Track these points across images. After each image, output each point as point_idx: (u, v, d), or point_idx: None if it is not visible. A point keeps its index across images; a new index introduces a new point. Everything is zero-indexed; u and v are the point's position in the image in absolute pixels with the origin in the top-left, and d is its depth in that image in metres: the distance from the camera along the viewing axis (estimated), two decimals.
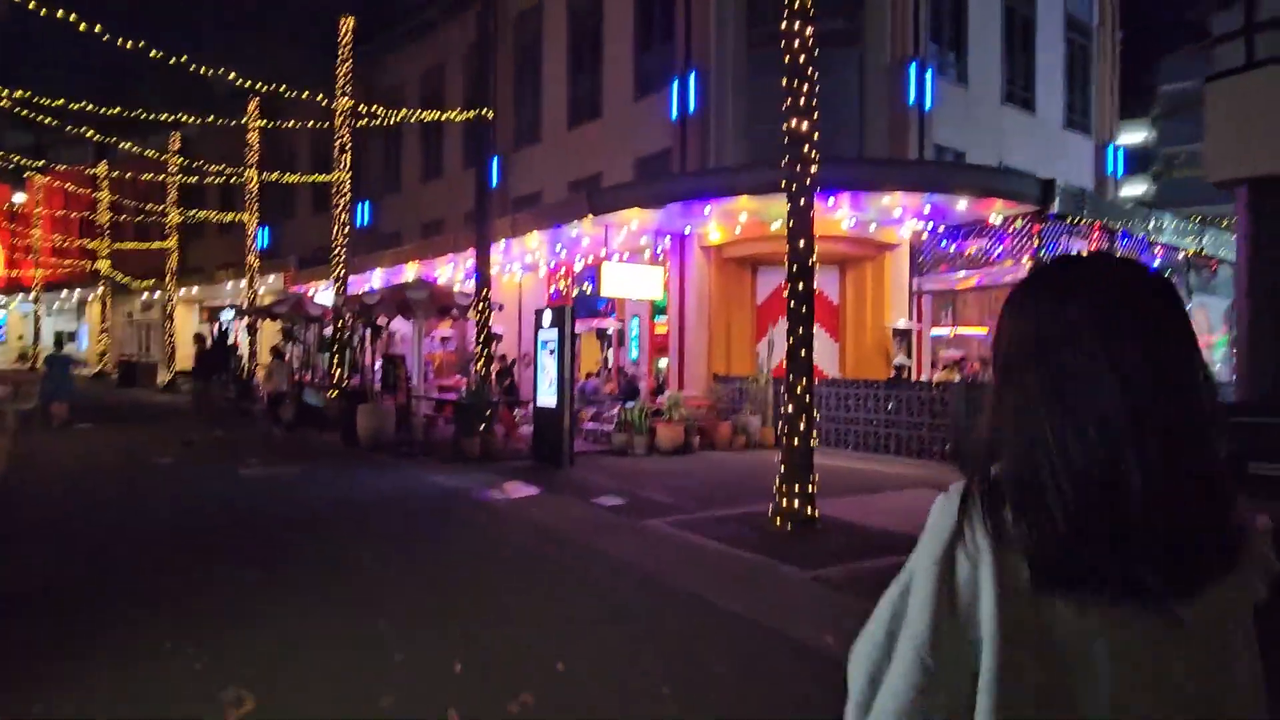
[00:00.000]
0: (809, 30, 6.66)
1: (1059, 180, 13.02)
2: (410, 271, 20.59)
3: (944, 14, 16.55)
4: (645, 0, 17.98)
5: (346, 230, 17.46)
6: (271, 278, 27.19)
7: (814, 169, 6.59)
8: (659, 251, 15.84)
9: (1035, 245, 13.26)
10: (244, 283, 23.67)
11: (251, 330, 22.37)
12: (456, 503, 8.45)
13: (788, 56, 6.66)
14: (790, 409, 6.60)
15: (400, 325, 16.52)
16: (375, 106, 16.32)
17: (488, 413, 11.59)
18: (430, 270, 20.44)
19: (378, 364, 13.99)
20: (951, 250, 14.70)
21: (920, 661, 0.86)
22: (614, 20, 18.84)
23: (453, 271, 20.67)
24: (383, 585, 5.31)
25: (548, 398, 10.75)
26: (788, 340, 6.65)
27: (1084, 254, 1.02)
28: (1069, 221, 13.60)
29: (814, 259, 6.63)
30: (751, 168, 12.79)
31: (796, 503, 6.58)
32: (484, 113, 12.54)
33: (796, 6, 6.60)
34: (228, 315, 25.76)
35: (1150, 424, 0.82)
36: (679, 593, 5.22)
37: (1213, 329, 17.86)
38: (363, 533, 6.95)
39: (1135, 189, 36.19)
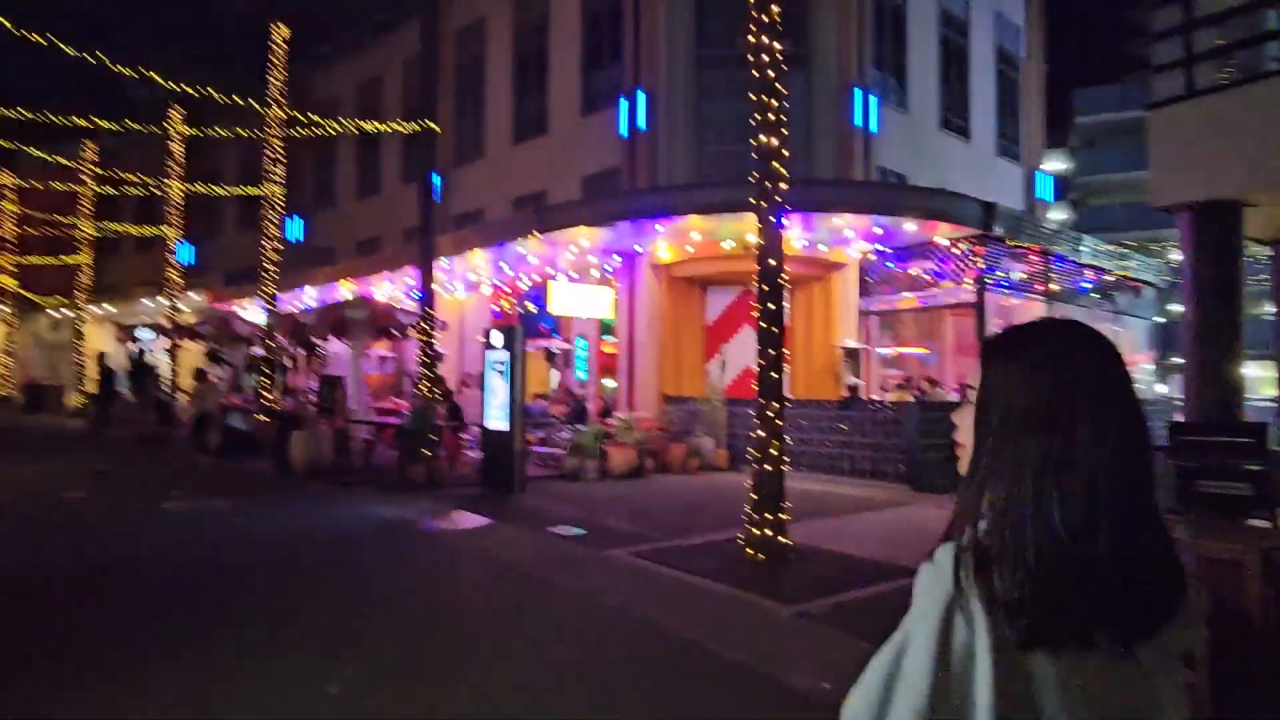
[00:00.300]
0: (777, 45, 6.51)
1: (999, 204, 13.33)
2: (345, 290, 19.79)
3: (886, 41, 16.90)
4: (592, 20, 17.85)
5: (278, 245, 16.66)
6: (195, 295, 25.82)
7: (783, 185, 6.42)
8: (608, 270, 15.57)
9: (979, 267, 13.50)
10: (164, 300, 22.36)
11: (172, 351, 21.10)
12: (405, 537, 7.92)
13: (756, 71, 6.50)
14: (762, 433, 6.36)
15: (336, 345, 15.78)
16: (311, 116, 15.61)
17: (433, 437, 11.03)
18: (367, 288, 19.67)
19: (313, 386, 13.24)
20: (896, 271, 14.88)
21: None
22: (560, 39, 18.63)
23: (391, 289, 19.96)
24: (330, 637, 4.81)
25: (498, 421, 10.29)
26: (758, 361, 6.43)
27: (1051, 319, 1.07)
28: (1008, 244, 13.92)
29: (784, 277, 6.44)
30: (704, 186, 12.70)
31: (769, 531, 6.33)
32: (428, 123, 12.07)
33: (765, 20, 6.45)
34: (146, 335, 24.25)
35: (1122, 481, 0.91)
36: (658, 634, 4.88)
37: (1138, 350, 18.58)
38: (304, 575, 6.38)
39: (1056, 215, 37.85)
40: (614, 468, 12.16)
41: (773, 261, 6.38)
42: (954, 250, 13.76)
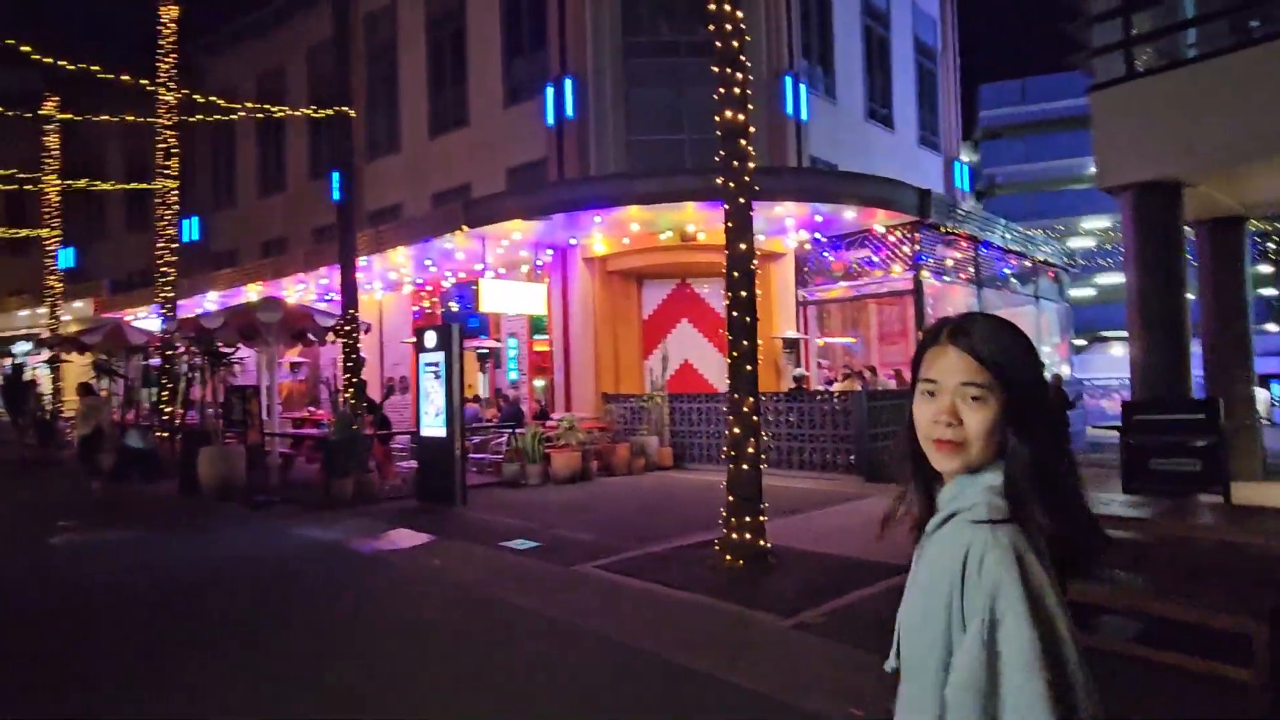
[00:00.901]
0: (739, 14, 6.08)
1: (933, 192, 13.38)
2: (252, 293, 18.38)
3: (812, 30, 16.82)
4: (512, 6, 17.08)
5: (173, 246, 15.25)
6: (79, 304, 23.66)
7: (751, 165, 6.00)
8: (539, 265, 14.90)
9: (914, 254, 13.52)
10: (43, 310, 20.30)
11: (54, 364, 19.14)
12: (339, 561, 7.11)
13: (719, 42, 6.06)
14: (737, 430, 5.93)
15: (243, 352, 14.53)
16: (211, 99, 14.29)
17: (361, 448, 10.16)
18: (276, 291, 18.33)
19: (220, 398, 12.06)
20: (831, 261, 14.78)
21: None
22: (479, 26, 17.77)
23: (303, 293, 18.69)
24: (266, 693, 4.08)
25: (434, 427, 9.53)
26: (730, 354, 5.99)
27: (983, 313, 1.22)
28: (941, 231, 14.02)
29: (755, 263, 6.02)
30: (644, 176, 12.22)
31: (749, 535, 5.90)
32: (344, 109, 11.13)
33: None
34: (23, 348, 22.00)
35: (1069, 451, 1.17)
36: (649, 659, 4.36)
37: (1054, 333, 19.21)
38: (226, 616, 5.54)
39: (965, 205, 39.26)
40: (557, 471, 11.55)
41: (743, 246, 5.95)
42: (890, 238, 13.75)
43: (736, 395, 5.92)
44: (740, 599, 5.28)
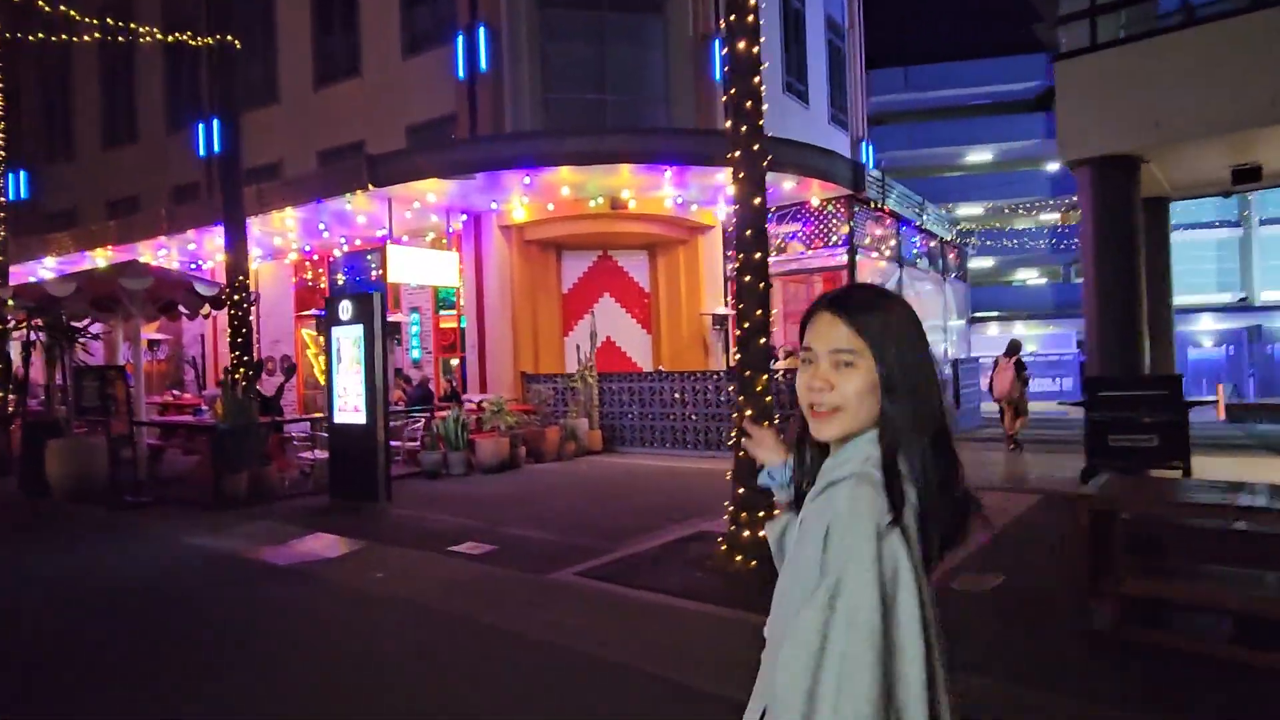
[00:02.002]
0: None
1: (866, 166, 13.12)
2: (99, 260, 15.89)
3: None
4: None
5: (1, 200, 12.80)
6: None
7: (765, 107, 5.20)
8: (450, 232, 13.56)
9: (847, 231, 13.25)
10: None
11: None
12: (253, 577, 5.82)
13: None
14: (749, 412, 5.16)
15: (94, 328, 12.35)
16: (42, 22, 11.94)
17: (258, 438, 8.69)
18: (129, 257, 15.91)
19: (66, 380, 10.09)
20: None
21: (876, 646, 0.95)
22: None
23: (164, 259, 16.35)
24: None
25: (350, 413, 8.23)
26: (740, 325, 5.21)
27: (870, 284, 1.28)
28: (872, 207, 13.83)
29: (765, 223, 5.25)
30: (579, 134, 11.16)
31: (761, 531, 5.17)
32: (228, 39, 9.42)
33: None
34: None
35: (947, 429, 1.13)
36: (673, 688, 3.54)
37: (960, 313, 19.76)
38: (113, 660, 4.25)
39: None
40: (482, 459, 10.46)
41: (757, 201, 5.16)
42: (824, 211, 13.40)
43: (748, 372, 5.15)
44: (759, 608, 4.55)
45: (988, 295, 36.25)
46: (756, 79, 5.16)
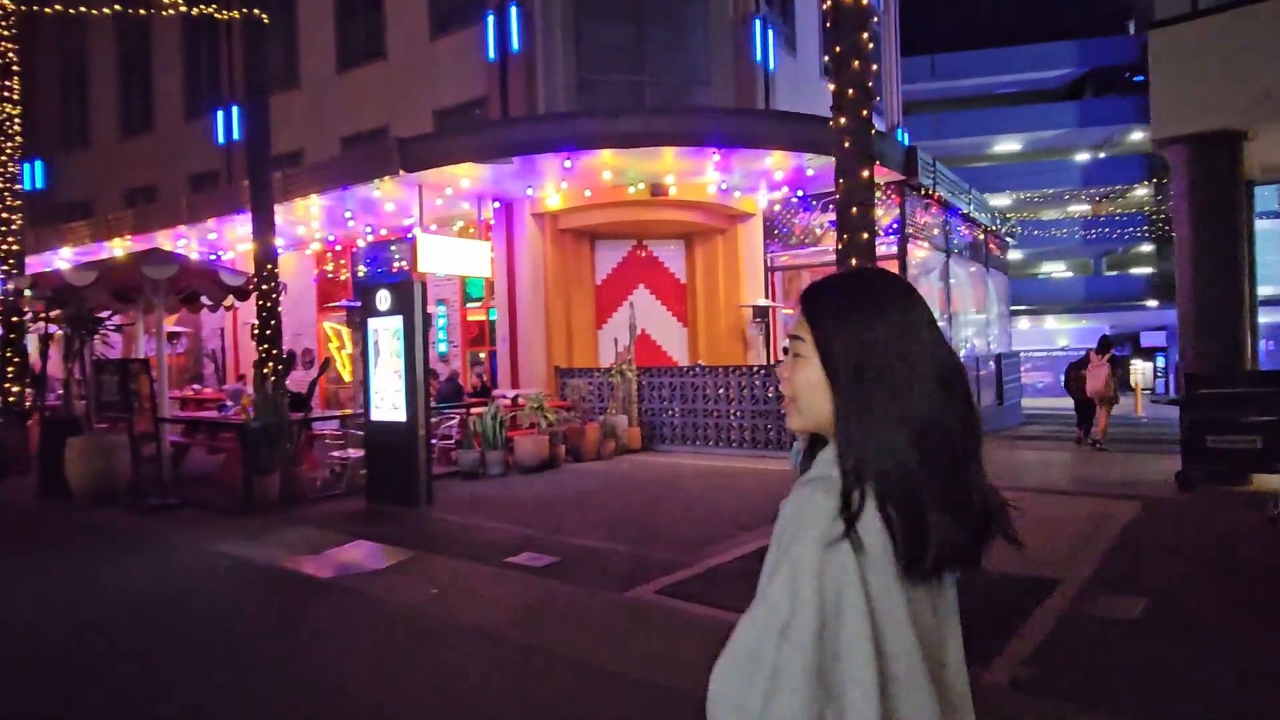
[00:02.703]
0: None
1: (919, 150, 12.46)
2: (117, 250, 15.42)
3: None
4: None
5: (18, 188, 12.31)
6: None
7: (874, 67, 4.58)
8: (481, 220, 12.99)
9: (898, 216, 12.58)
10: None
11: None
12: (291, 594, 5.28)
13: None
14: None
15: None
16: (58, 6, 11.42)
17: (290, 437, 8.17)
18: (147, 247, 15.45)
19: (88, 374, 9.59)
20: (799, 223, 13.64)
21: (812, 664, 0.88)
22: None
23: (183, 249, 15.85)
24: None
25: (389, 410, 7.68)
26: None
27: (873, 268, 1.24)
28: (921, 193, 13.16)
29: (873, 199, 4.64)
30: (625, 114, 10.55)
31: None
32: (256, 13, 8.87)
33: None
34: None
35: (953, 431, 0.99)
36: None
37: (1001, 305, 19.06)
38: (153, 691, 3.71)
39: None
40: (522, 459, 9.92)
41: (865, 174, 4.56)
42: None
43: None
44: None
45: (1016, 288, 35.45)
46: (864, 34, 4.55)
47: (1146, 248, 37.43)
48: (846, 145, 4.48)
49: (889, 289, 1.04)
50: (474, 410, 10.30)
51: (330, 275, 16.47)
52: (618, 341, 12.21)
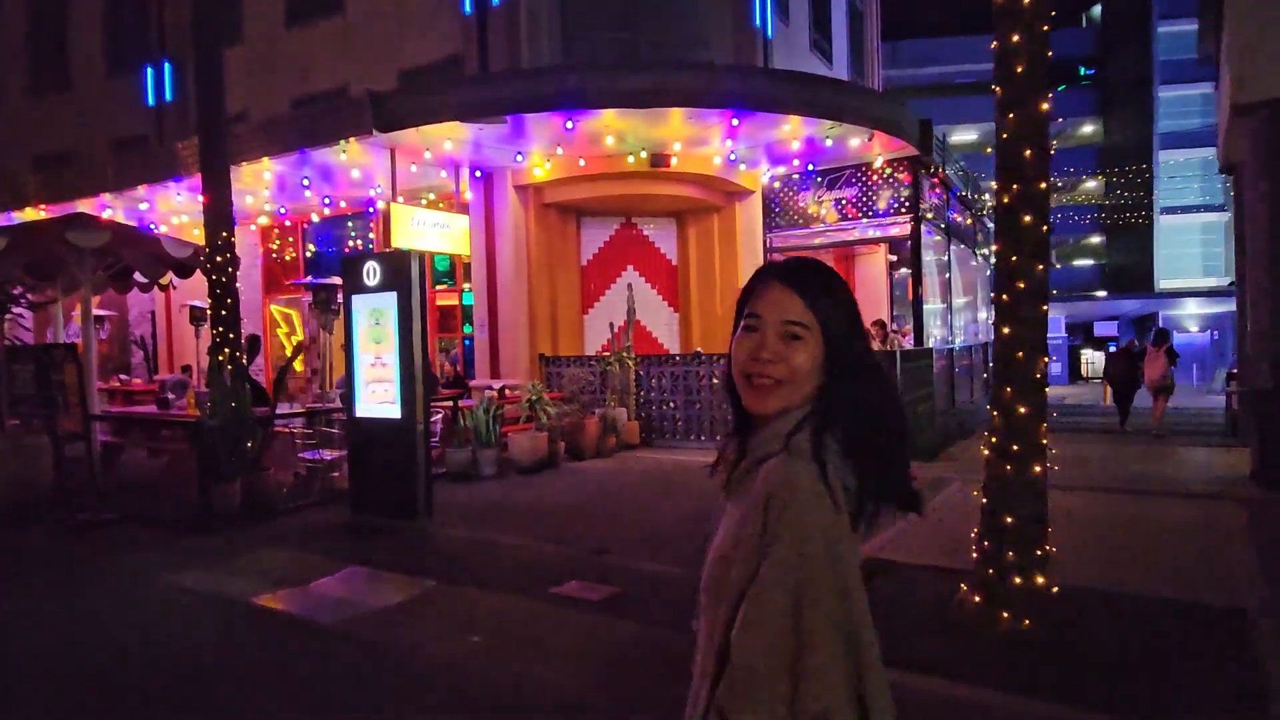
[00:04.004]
0: None
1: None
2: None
3: None
4: None
5: None
6: None
7: (1045, 26, 3.61)
8: (456, 192, 11.68)
9: (909, 196, 11.80)
10: None
11: None
12: (280, 651, 4.06)
13: None
14: (1022, 410, 3.63)
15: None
16: None
17: (255, 437, 6.84)
18: None
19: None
20: (800, 201, 12.72)
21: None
22: None
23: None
24: None
25: (377, 405, 6.44)
26: (1010, 284, 3.66)
27: (808, 259, 1.18)
28: (929, 171, 12.41)
29: (1048, 139, 3.68)
30: (636, 70, 9.41)
31: (1038, 576, 3.67)
32: None
33: None
34: None
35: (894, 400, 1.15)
36: None
37: (988, 292, 18.63)
38: None
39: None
40: (518, 458, 8.79)
41: (1045, 106, 3.58)
42: (884, 174, 11.93)
43: (1020, 354, 3.62)
44: (1093, 704, 3.05)
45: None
46: None
47: (1095, 239, 38.11)
48: (1019, 70, 3.50)
49: (833, 269, 1.15)
50: (462, 404, 9.09)
51: (276, 255, 14.90)
52: (613, 326, 11.10)
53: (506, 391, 10.31)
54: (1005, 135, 3.59)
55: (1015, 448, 3.72)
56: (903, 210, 11.81)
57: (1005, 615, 3.67)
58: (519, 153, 10.48)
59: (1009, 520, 3.67)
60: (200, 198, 7.57)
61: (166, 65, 15.87)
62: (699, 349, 12.06)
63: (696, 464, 9.33)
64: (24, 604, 4.78)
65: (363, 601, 4.64)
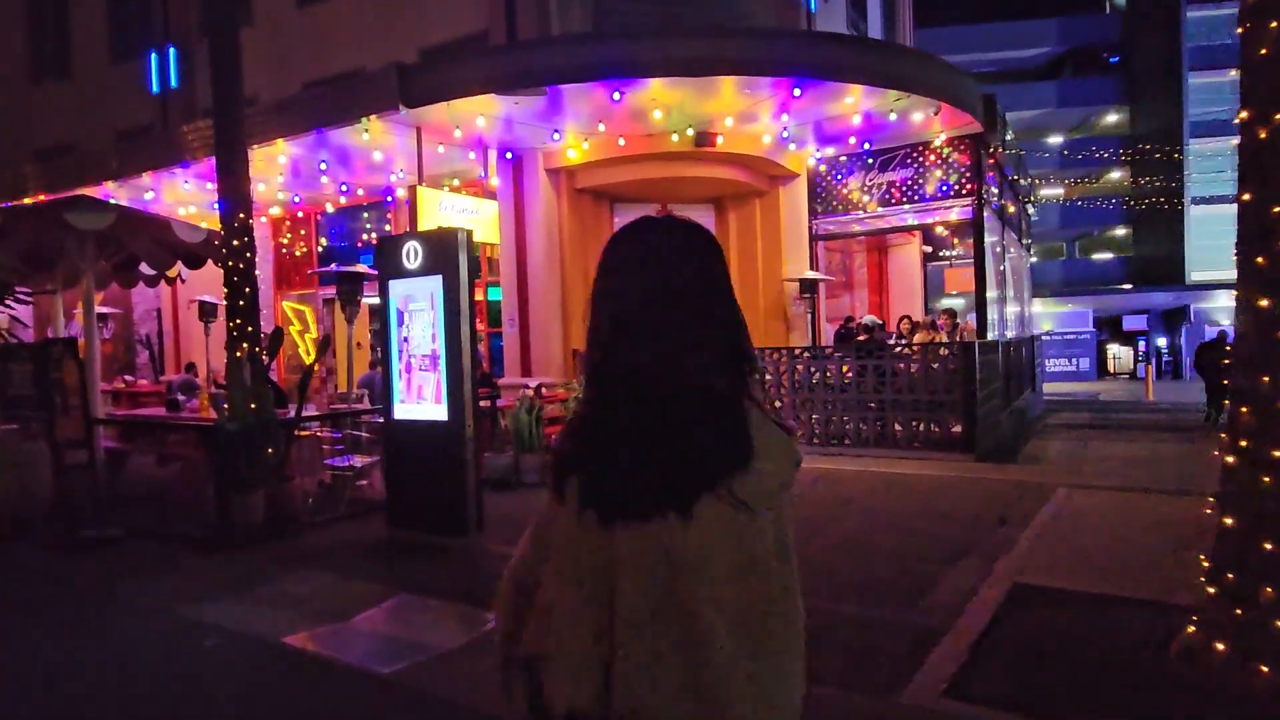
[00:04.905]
0: None
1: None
2: None
3: None
4: None
5: None
6: None
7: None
8: (483, 176, 10.88)
9: (969, 177, 10.96)
10: None
11: None
12: (336, 711, 3.27)
13: None
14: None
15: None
16: None
17: (279, 444, 6.06)
18: None
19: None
20: (852, 184, 11.85)
21: None
22: None
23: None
24: None
25: (419, 406, 5.64)
26: (1248, 258, 2.85)
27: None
28: (989, 150, 11.56)
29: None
30: (687, 36, 8.59)
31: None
32: None
33: None
34: None
35: None
36: None
37: (1029, 284, 17.82)
38: None
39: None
40: None
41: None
42: (942, 153, 11.10)
43: (1261, 349, 2.81)
44: None
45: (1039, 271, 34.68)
46: None
47: (1120, 231, 37.20)
48: (1253, 68, 2.69)
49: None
50: (500, 404, 8.30)
51: (286, 250, 14.15)
52: None
53: (543, 391, 9.51)
54: (1265, 50, 2.77)
55: (1244, 463, 2.91)
56: (962, 192, 10.98)
57: (1264, 670, 2.85)
58: (555, 130, 9.67)
59: (1268, 548, 2.86)
60: (209, 185, 6.84)
61: (172, 51, 15.10)
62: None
63: None
64: (10, 641, 3.99)
65: (422, 640, 3.85)
